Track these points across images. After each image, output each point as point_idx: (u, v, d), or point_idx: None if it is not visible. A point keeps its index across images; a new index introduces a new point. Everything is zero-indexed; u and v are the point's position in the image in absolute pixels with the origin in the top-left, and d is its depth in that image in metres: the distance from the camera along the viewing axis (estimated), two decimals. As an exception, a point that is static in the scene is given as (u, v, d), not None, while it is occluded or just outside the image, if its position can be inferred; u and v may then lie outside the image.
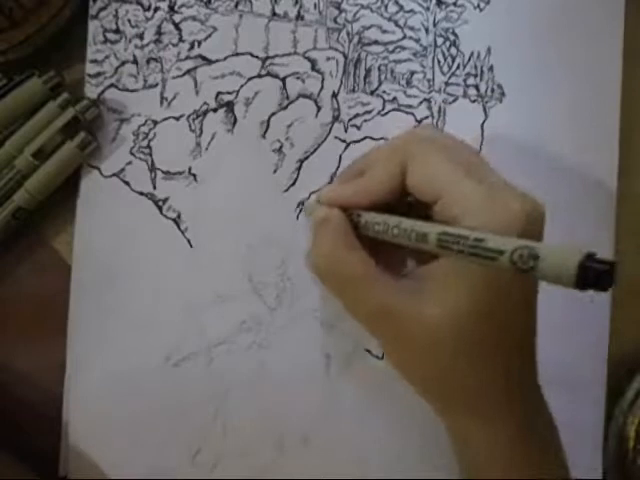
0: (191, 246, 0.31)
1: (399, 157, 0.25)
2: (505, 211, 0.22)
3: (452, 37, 0.32)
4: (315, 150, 0.31)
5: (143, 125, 0.31)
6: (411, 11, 0.32)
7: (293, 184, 0.32)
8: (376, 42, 0.32)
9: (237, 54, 0.31)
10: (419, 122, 0.32)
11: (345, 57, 0.32)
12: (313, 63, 0.31)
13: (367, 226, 0.25)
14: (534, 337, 0.24)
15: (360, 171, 0.27)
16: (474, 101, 0.32)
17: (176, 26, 0.31)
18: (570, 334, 0.31)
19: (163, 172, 0.31)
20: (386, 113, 0.32)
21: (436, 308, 0.23)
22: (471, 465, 0.26)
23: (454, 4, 0.32)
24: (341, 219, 0.26)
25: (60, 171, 0.30)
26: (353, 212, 0.26)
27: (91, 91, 0.31)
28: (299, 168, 0.32)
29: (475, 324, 0.23)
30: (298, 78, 0.31)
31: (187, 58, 0.31)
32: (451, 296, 0.23)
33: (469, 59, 0.32)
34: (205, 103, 0.31)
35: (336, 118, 0.32)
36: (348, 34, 0.32)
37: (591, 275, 0.16)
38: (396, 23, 0.32)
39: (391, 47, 0.32)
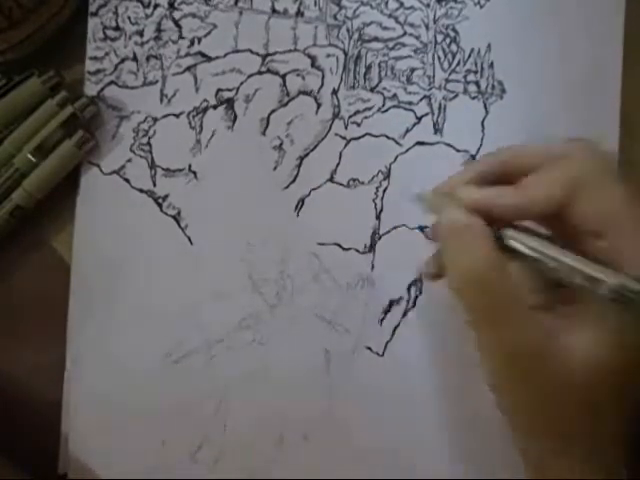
0: (191, 243, 0.31)
1: (568, 181, 0.22)
2: None
3: (452, 34, 0.32)
4: (315, 147, 0.31)
5: (143, 122, 0.31)
6: (411, 8, 0.32)
7: (293, 181, 0.31)
8: (376, 39, 0.31)
9: (237, 51, 0.31)
10: (419, 119, 0.32)
11: (345, 54, 0.31)
12: (313, 60, 0.31)
13: (511, 245, 0.22)
14: None
15: (503, 171, 0.24)
16: (474, 98, 0.32)
17: (176, 23, 0.31)
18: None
19: (163, 169, 0.31)
20: (386, 110, 0.32)
21: (575, 355, 0.21)
22: None
23: (454, 1, 0.32)
24: (487, 232, 0.22)
25: (58, 169, 0.30)
26: (494, 224, 0.22)
27: (91, 88, 0.31)
28: (299, 165, 0.31)
29: (616, 371, 0.22)
30: (298, 75, 0.31)
31: (187, 55, 0.31)
32: (600, 342, 0.21)
33: (469, 56, 0.32)
34: (205, 100, 0.31)
35: (336, 115, 0.32)
36: (348, 31, 0.31)
37: None
38: (396, 20, 0.32)
39: (391, 44, 0.32)
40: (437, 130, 0.32)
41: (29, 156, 0.30)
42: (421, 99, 0.32)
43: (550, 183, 0.22)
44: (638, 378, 0.22)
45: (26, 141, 0.30)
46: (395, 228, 0.31)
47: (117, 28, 0.31)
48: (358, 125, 0.32)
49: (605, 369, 0.22)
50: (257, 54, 0.31)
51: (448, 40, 0.32)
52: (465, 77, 0.32)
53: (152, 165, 0.31)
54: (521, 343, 0.22)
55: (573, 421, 0.23)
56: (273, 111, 0.31)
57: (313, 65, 0.31)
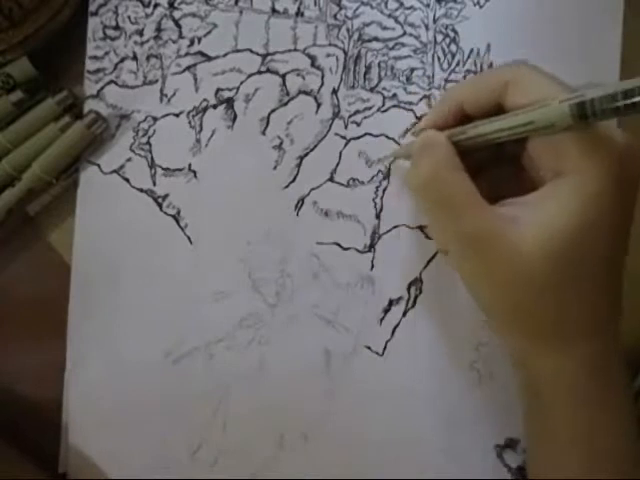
0: (191, 243, 0.31)
1: (500, 79, 0.25)
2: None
3: (452, 34, 0.32)
4: (315, 147, 0.31)
5: (143, 121, 0.31)
6: (411, 8, 0.32)
7: (293, 181, 0.31)
8: (376, 39, 0.32)
9: (237, 51, 0.31)
10: (419, 119, 0.32)
11: (345, 54, 0.32)
12: (313, 60, 0.31)
13: (473, 139, 0.25)
14: (623, 261, 0.24)
15: (459, 111, 0.27)
16: (474, 98, 0.32)
17: (176, 23, 0.31)
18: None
19: (163, 169, 0.31)
20: (386, 110, 0.32)
21: (529, 234, 0.23)
22: (537, 398, 0.25)
23: (454, 1, 0.32)
24: (444, 141, 0.26)
25: (67, 150, 0.30)
26: (456, 132, 0.26)
27: (91, 87, 0.31)
28: (299, 165, 0.31)
29: (568, 248, 0.22)
30: (298, 75, 0.31)
31: (187, 54, 0.31)
32: (544, 219, 0.23)
33: (469, 56, 0.32)
34: (205, 100, 0.31)
35: (336, 115, 0.32)
36: (348, 31, 0.32)
37: None
38: (396, 20, 0.32)
39: (391, 44, 0.32)
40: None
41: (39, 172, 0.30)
42: (421, 99, 0.32)
43: (483, 81, 0.26)
44: (597, 252, 0.23)
45: (34, 158, 0.30)
46: (395, 227, 0.31)
47: (117, 27, 0.31)
48: (358, 125, 0.32)
49: (561, 249, 0.22)
50: (257, 54, 0.31)
51: (448, 40, 0.32)
52: (465, 77, 0.32)
53: (152, 164, 0.31)
54: (475, 230, 0.24)
55: (539, 310, 0.24)
56: (273, 111, 0.31)
57: (313, 65, 0.31)
